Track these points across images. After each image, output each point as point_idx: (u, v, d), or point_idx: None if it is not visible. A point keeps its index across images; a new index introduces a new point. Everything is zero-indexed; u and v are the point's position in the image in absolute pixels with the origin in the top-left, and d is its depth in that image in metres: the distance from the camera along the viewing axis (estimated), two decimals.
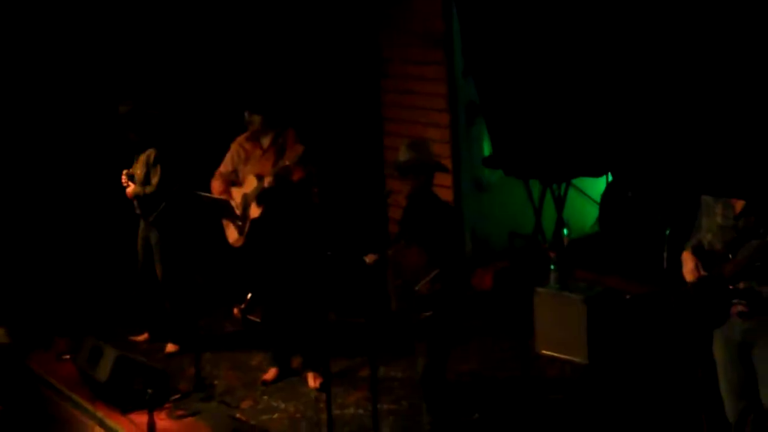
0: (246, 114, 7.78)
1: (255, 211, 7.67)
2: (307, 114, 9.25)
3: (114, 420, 7.58)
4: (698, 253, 5.65)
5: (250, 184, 7.71)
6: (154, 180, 8.31)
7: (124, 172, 8.49)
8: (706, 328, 5.70)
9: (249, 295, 8.89)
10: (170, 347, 8.65)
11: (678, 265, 8.09)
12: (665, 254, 8.39)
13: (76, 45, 9.69)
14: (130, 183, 8.44)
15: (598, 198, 9.77)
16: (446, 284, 6.34)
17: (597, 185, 9.92)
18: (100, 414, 7.70)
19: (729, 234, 5.51)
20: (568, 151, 9.20)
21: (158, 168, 8.30)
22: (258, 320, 8.63)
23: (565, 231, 9.26)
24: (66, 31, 9.64)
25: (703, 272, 5.57)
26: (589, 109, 8.86)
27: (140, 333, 8.92)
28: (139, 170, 8.42)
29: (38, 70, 9.64)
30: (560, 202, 9.64)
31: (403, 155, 6.49)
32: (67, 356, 8.63)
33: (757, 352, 5.53)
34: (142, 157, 8.40)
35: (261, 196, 7.62)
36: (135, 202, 8.48)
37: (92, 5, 9.67)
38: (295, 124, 7.87)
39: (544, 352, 8.17)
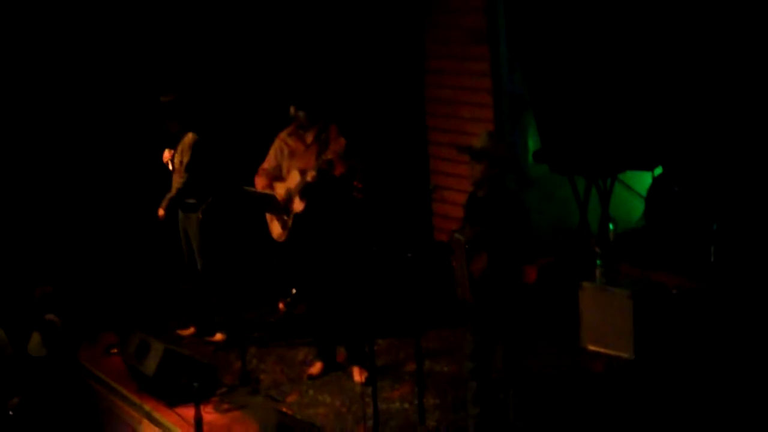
0: (291, 109, 7.81)
1: (298, 206, 7.69)
2: (351, 110, 9.27)
3: (161, 413, 7.64)
4: None
5: (294, 178, 7.73)
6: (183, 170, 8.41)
7: (167, 151, 8.56)
8: None
9: (294, 290, 8.92)
10: (219, 336, 8.72)
11: (726, 259, 8.08)
12: (712, 249, 8.35)
13: (116, 34, 9.77)
14: (170, 164, 8.54)
15: (644, 193, 9.70)
16: (507, 273, 6.35)
17: (643, 180, 9.85)
18: (147, 407, 7.76)
19: None
20: (614, 146, 9.18)
21: (191, 152, 8.39)
22: (303, 314, 8.66)
23: (611, 226, 9.20)
24: (109, 19, 9.72)
25: None
26: (636, 103, 8.84)
27: (187, 327, 8.99)
28: (178, 158, 8.51)
29: (87, 59, 9.72)
30: (606, 197, 9.60)
31: (482, 141, 6.47)
32: (115, 350, 8.71)
33: None
34: (184, 145, 8.48)
35: (304, 191, 7.64)
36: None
37: None
38: (339, 120, 7.88)
39: (590, 347, 8.13)
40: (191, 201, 8.47)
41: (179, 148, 8.51)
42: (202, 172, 8.46)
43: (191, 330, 8.95)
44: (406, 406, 7.39)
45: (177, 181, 8.53)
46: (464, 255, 6.34)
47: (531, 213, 8.51)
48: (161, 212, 8.55)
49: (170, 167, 8.60)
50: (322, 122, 7.75)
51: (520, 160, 9.91)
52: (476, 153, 6.43)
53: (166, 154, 8.62)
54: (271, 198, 7.80)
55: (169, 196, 8.55)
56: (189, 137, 8.47)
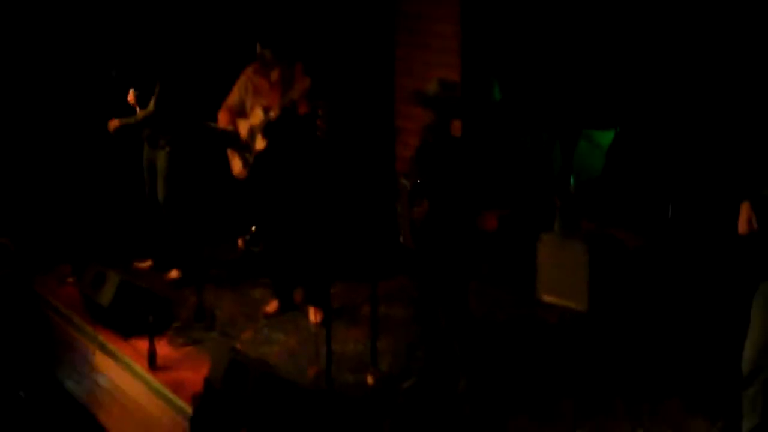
0: (257, 47, 7.76)
1: (260, 143, 7.67)
2: (317, 50, 9.21)
3: (115, 344, 7.65)
4: (759, 205, 5.58)
5: (257, 116, 7.70)
6: (151, 103, 8.35)
7: (132, 91, 8.51)
8: (751, 281, 5.70)
9: (253, 228, 8.91)
10: (174, 273, 8.72)
11: (681, 217, 8.15)
12: (670, 207, 8.42)
13: None
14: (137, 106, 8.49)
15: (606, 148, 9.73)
16: (450, 220, 6.37)
17: (607, 135, 9.87)
18: (101, 338, 7.77)
19: None
20: (576, 103, 9.20)
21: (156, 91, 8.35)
22: (261, 252, 8.66)
23: (572, 179, 9.24)
24: None
25: (755, 225, 5.54)
26: (597, 60, 8.85)
27: (145, 260, 8.98)
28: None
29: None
30: (568, 151, 9.61)
31: (431, 89, 6.46)
32: (71, 280, 8.69)
33: None
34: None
35: (267, 129, 7.62)
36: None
37: None
38: (305, 59, 7.84)
39: (545, 297, 8.21)
40: (159, 137, 8.45)
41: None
42: (168, 108, 8.40)
43: (148, 263, 8.95)
44: (360, 348, 7.44)
45: (141, 114, 8.48)
46: (407, 200, 6.36)
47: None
48: (115, 123, 8.50)
49: (137, 109, 8.54)
50: (287, 61, 7.70)
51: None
52: (424, 99, 6.44)
53: (131, 95, 8.55)
54: (233, 134, 7.77)
55: (128, 119, 8.50)
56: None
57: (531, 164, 9.71)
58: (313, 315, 7.90)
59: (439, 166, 6.36)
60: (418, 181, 6.33)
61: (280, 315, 8.06)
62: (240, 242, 9.03)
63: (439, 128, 6.43)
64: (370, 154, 9.98)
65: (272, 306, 8.12)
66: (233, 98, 7.85)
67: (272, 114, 7.56)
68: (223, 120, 7.84)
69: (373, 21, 10.25)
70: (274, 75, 7.71)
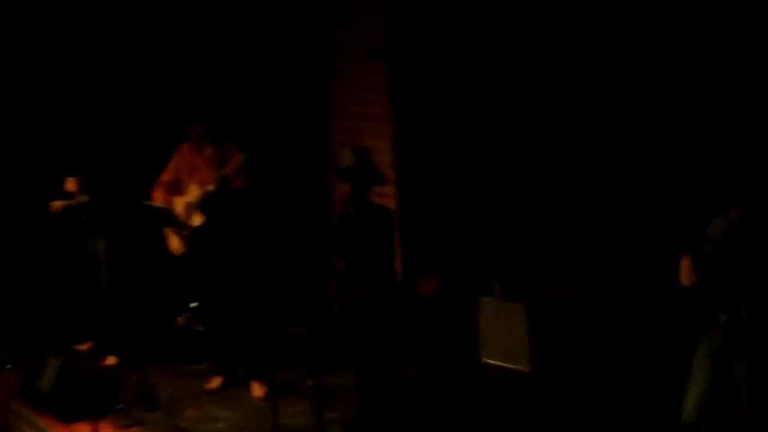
0: (190, 124, 7.79)
1: (197, 219, 7.68)
2: (252, 124, 9.27)
3: (57, 430, 7.54)
4: (699, 259, 5.69)
5: (193, 192, 7.71)
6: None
7: (67, 180, 8.49)
8: (693, 333, 5.81)
9: (193, 304, 8.87)
10: (111, 360, 8.62)
11: (619, 270, 8.25)
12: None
13: None
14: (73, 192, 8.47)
15: None
16: (376, 289, 6.40)
17: None
18: (42, 424, 7.65)
19: (723, 245, 5.61)
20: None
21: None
22: (202, 329, 8.62)
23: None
24: None
25: (696, 278, 5.65)
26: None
27: (83, 342, 8.88)
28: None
29: None
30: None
31: (345, 160, 6.51)
32: (9, 366, 8.57)
33: (738, 368, 5.65)
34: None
35: (203, 204, 7.63)
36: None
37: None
38: (239, 135, 7.88)
39: (487, 360, 8.25)
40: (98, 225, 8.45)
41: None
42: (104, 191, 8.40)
43: (88, 345, 8.85)
44: (307, 421, 7.39)
45: (79, 199, 8.48)
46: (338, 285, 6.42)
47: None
48: (57, 204, 8.47)
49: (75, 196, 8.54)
50: (222, 138, 7.74)
51: None
52: (340, 172, 6.49)
53: (71, 183, 8.53)
54: (168, 211, 7.77)
55: (69, 202, 8.48)
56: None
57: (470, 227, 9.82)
58: (258, 389, 7.86)
59: (363, 234, 6.40)
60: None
61: (224, 391, 8.01)
62: (180, 320, 9.00)
63: (358, 197, 6.47)
64: (307, 226, 10.00)
65: (215, 382, 8.07)
66: (168, 175, 7.85)
67: (208, 190, 7.58)
68: (158, 198, 7.83)
69: (306, 93, 10.34)
70: (209, 151, 7.74)
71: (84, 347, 8.85)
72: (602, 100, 8.32)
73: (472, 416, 7.39)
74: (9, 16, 9.60)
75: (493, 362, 8.20)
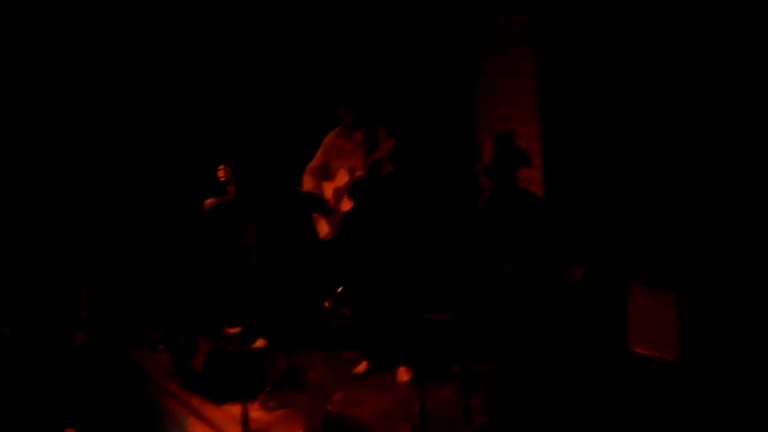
0: (339, 109, 7.85)
1: (346, 205, 7.73)
2: (400, 111, 9.28)
3: (208, 410, 7.70)
4: None
5: (342, 178, 7.76)
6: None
7: (221, 167, 8.64)
8: None
9: (340, 289, 8.95)
10: (260, 342, 8.76)
11: None
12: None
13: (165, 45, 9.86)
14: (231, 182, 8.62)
15: None
16: (531, 272, 6.35)
17: None
18: (194, 404, 7.82)
19: None
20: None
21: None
22: (348, 313, 8.69)
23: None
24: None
25: None
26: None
27: (235, 326, 9.05)
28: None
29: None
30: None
31: (489, 153, 6.47)
32: (162, 347, 8.79)
33: None
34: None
35: (352, 189, 7.68)
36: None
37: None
38: (387, 121, 7.90)
39: (636, 349, 8.10)
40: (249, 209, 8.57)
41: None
42: (258, 179, 8.52)
43: (238, 329, 9.01)
44: (452, 406, 7.39)
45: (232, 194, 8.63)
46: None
47: None
48: (210, 201, 8.63)
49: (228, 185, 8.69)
50: (371, 123, 7.78)
51: None
52: (486, 168, 6.46)
53: (222, 171, 8.68)
54: (318, 197, 7.84)
55: (222, 198, 8.64)
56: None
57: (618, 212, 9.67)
58: (404, 374, 7.89)
59: (510, 220, 6.36)
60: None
61: (371, 375, 8.06)
62: (327, 304, 9.08)
63: (504, 184, 6.43)
64: (453, 211, 9.98)
65: (362, 366, 8.13)
66: (318, 161, 7.94)
67: (357, 176, 7.62)
68: (308, 184, 7.92)
69: (452, 79, 10.31)
70: (358, 137, 7.79)
71: (235, 331, 9.01)
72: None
73: (620, 406, 7.27)
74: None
75: (642, 351, 8.05)
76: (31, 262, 9.45)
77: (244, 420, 7.21)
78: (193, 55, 9.90)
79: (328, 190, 7.84)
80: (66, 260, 9.54)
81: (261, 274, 8.63)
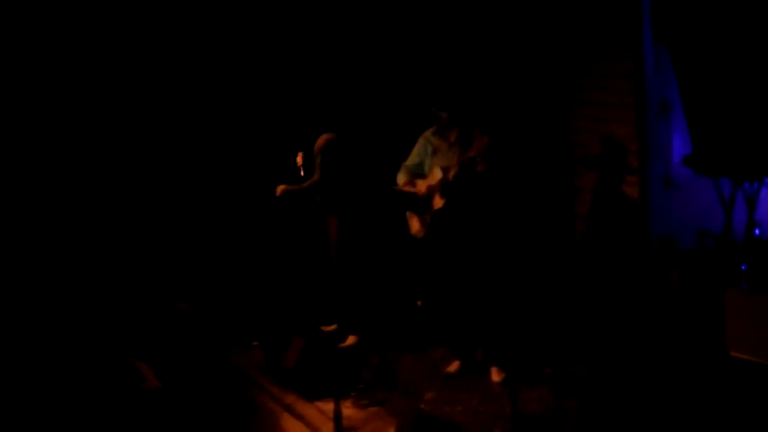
0: (433, 109, 7.86)
1: (438, 202, 7.74)
2: (495, 111, 9.26)
3: (301, 407, 7.76)
4: None
5: (435, 176, 7.77)
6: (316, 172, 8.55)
7: (301, 153, 8.70)
8: None
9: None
10: (351, 340, 8.80)
11: None
12: None
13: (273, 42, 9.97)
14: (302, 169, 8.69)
15: None
16: (619, 283, 6.29)
17: None
18: (288, 401, 7.89)
19: None
20: (762, 150, 8.97)
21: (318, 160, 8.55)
22: (440, 312, 8.67)
23: (757, 231, 9.00)
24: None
25: None
26: None
27: (330, 324, 9.11)
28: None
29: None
30: (752, 201, 9.38)
31: (596, 150, 6.43)
32: (256, 343, 8.87)
33: None
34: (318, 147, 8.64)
35: (445, 188, 7.68)
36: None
37: None
38: (482, 120, 7.89)
39: (735, 354, 7.96)
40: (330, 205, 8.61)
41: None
42: (337, 173, 8.56)
43: (334, 327, 9.07)
44: (545, 407, 7.35)
45: (307, 183, 8.67)
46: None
47: (673, 216, 8.40)
48: (281, 188, 8.68)
49: (302, 172, 8.73)
50: (465, 123, 7.78)
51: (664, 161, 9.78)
52: (589, 162, 6.41)
53: (299, 158, 8.75)
54: (413, 195, 7.86)
55: (295, 186, 8.67)
56: (323, 138, 8.60)
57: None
58: (496, 374, 7.86)
59: (611, 226, 6.31)
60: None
61: (462, 375, 8.05)
62: (419, 302, 9.09)
63: (607, 187, 6.38)
64: (548, 212, 9.93)
65: (454, 366, 8.12)
66: (412, 159, 7.97)
67: (451, 174, 7.62)
68: (401, 180, 7.96)
69: (549, 79, 10.25)
70: (453, 136, 7.79)
71: (330, 329, 9.06)
72: None
73: (715, 409, 7.15)
74: None
75: (738, 355, 7.91)
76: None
77: (336, 417, 7.25)
78: (284, 42, 9.99)
79: (422, 187, 7.85)
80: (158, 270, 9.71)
81: (342, 269, 8.66)
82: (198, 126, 9.91)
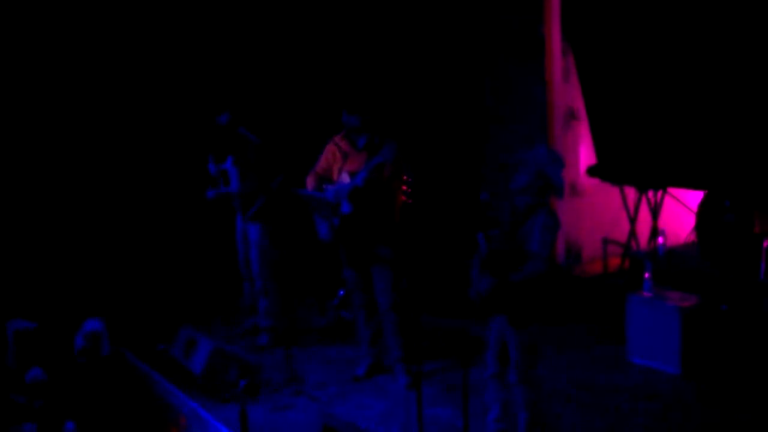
0: (343, 114, 7.87)
1: (347, 207, 7.73)
2: (405, 117, 9.31)
3: (207, 410, 7.69)
4: None
5: (344, 181, 7.76)
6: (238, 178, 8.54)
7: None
8: None
9: (341, 291, 8.97)
10: (263, 339, 8.78)
11: None
12: (763, 265, 8.30)
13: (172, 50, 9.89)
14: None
15: (695, 207, 9.67)
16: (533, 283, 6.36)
17: (695, 193, 9.82)
18: (192, 404, 7.81)
19: None
20: (666, 159, 9.14)
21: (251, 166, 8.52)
22: (349, 315, 8.71)
23: (660, 239, 9.18)
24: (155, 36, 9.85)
25: None
26: (691, 120, 8.79)
27: (237, 325, 9.07)
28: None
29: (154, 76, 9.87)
30: (656, 210, 9.57)
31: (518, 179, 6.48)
32: (163, 346, 8.79)
33: None
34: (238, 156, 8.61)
35: (353, 194, 7.67)
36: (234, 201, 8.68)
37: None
38: (392, 126, 7.92)
39: (635, 360, 8.11)
40: (249, 207, 8.58)
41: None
42: (259, 178, 8.54)
43: (240, 328, 9.03)
44: (451, 411, 7.40)
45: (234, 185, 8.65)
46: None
47: (579, 224, 8.49)
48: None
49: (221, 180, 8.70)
50: (375, 128, 7.79)
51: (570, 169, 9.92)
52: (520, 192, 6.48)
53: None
54: (320, 198, 7.85)
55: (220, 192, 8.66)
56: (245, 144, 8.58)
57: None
58: (404, 377, 7.90)
59: (527, 228, 6.37)
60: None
61: (370, 378, 8.08)
62: (328, 306, 9.10)
63: (534, 191, 6.44)
64: (456, 218, 10.02)
65: (362, 369, 8.14)
66: (321, 164, 7.94)
67: (360, 180, 7.61)
68: (310, 184, 7.93)
69: (458, 86, 10.34)
70: (361, 141, 7.80)
71: (237, 330, 9.02)
72: None
73: (615, 416, 7.27)
74: None
75: (641, 362, 8.07)
76: None
77: (243, 420, 7.20)
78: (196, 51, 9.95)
79: (330, 192, 7.84)
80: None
81: (263, 274, 8.65)
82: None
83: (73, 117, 9.61)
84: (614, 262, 9.90)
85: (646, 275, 8.14)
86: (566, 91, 9.85)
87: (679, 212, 10.05)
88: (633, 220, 9.73)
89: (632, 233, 9.73)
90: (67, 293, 9.17)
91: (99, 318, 7.53)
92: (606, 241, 9.93)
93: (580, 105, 9.80)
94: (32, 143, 9.46)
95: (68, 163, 9.62)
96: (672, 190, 9.77)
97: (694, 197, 9.80)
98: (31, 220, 9.44)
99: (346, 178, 7.75)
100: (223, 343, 8.14)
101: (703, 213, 9.27)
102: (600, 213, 10.06)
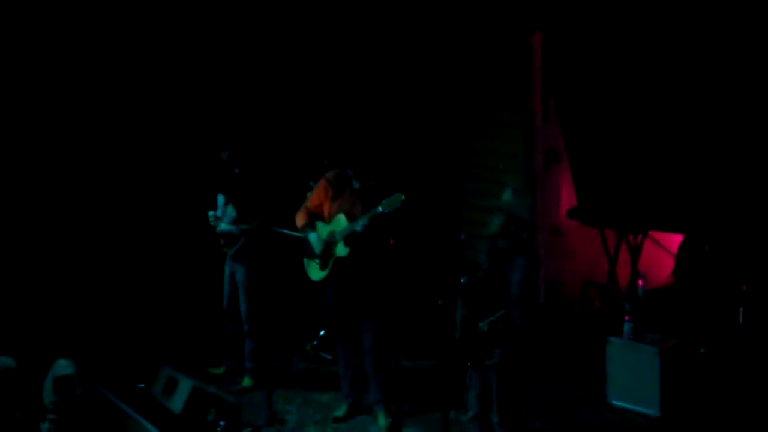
0: (327, 162, 7.92)
1: (342, 251, 7.69)
2: (387, 157, 9.34)
3: None
4: None
5: (339, 222, 7.72)
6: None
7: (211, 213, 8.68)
8: None
9: (322, 332, 8.94)
10: (246, 382, 8.75)
11: (754, 321, 8.05)
12: (741, 310, 8.35)
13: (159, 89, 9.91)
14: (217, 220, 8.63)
15: (674, 250, 9.73)
16: (512, 327, 6.38)
17: (674, 237, 9.88)
18: None
19: None
20: (645, 203, 9.21)
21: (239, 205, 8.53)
22: (330, 357, 8.68)
23: (640, 282, 9.22)
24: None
25: None
26: (671, 164, 8.87)
27: (218, 366, 9.04)
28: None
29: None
30: (636, 253, 9.62)
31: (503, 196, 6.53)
32: (142, 385, 8.74)
33: None
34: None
35: (350, 238, 7.64)
36: (221, 239, 8.66)
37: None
38: (372, 167, 7.92)
39: (615, 402, 8.13)
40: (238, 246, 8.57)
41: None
42: (250, 217, 8.55)
43: (221, 369, 9.00)
44: None
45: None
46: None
47: (560, 266, 8.49)
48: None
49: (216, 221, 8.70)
50: (363, 173, 7.78)
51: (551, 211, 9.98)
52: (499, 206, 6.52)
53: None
54: (304, 240, 7.82)
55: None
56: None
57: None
58: (383, 418, 7.89)
59: (508, 269, 6.41)
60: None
61: (350, 419, 8.06)
62: (308, 347, 9.07)
63: (509, 234, 6.48)
64: (439, 259, 10.04)
65: (342, 410, 8.12)
66: (312, 201, 7.90)
67: (359, 227, 7.56)
68: (300, 222, 7.89)
69: (443, 129, 10.41)
70: (354, 184, 7.76)
71: (217, 371, 8.99)
72: None
73: None
74: None
75: (620, 404, 8.08)
76: None
77: None
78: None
79: (324, 231, 7.79)
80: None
81: (250, 315, 8.63)
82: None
83: (39, 153, 9.57)
84: (594, 303, 9.94)
85: (626, 318, 8.18)
86: (548, 134, 9.92)
87: (659, 255, 10.09)
88: (613, 263, 9.77)
89: (612, 275, 9.78)
90: (45, 331, 9.12)
91: (69, 359, 7.51)
92: (586, 283, 9.97)
93: (562, 147, 9.87)
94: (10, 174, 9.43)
95: (49, 196, 9.58)
96: (652, 233, 9.82)
97: (673, 240, 9.86)
98: (10, 255, 9.40)
99: (341, 219, 7.69)
100: (203, 384, 8.09)
101: (683, 256, 9.33)
102: (580, 254, 10.10)
